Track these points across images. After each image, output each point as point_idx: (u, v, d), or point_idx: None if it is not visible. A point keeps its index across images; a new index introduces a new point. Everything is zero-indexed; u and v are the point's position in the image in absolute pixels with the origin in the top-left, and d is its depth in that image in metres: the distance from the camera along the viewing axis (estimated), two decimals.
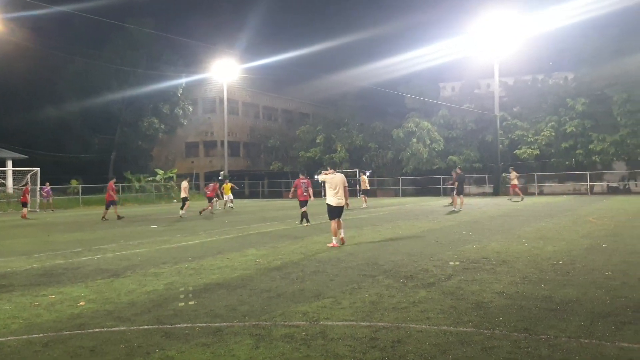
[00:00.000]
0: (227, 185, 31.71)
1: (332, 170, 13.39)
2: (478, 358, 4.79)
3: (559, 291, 7.27)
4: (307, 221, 19.03)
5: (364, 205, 30.14)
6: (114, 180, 26.80)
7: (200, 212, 26.74)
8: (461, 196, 25.64)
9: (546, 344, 5.09)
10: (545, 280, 8.05)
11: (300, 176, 19.96)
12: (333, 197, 12.86)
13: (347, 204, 13.10)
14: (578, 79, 47.86)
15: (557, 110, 47.00)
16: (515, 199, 32.90)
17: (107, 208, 25.35)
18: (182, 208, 25.79)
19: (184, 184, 27.27)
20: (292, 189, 20.07)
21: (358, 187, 31.53)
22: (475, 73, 55.37)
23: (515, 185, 32.99)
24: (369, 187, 31.36)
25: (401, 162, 52.45)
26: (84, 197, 42.85)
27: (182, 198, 26.51)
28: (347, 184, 13.04)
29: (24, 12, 42.69)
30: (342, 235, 13.02)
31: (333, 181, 12.88)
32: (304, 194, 19.30)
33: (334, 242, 12.82)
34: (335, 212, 12.83)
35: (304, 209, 19.14)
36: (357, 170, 49.66)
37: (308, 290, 7.75)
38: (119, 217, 25.05)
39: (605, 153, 44.03)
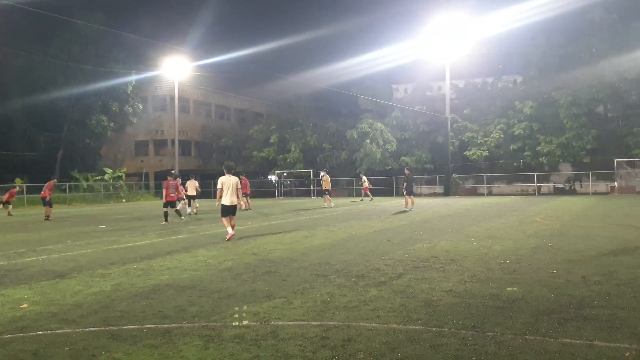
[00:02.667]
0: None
1: (228, 173, 14.53)
2: (426, 355, 4.85)
3: (505, 289, 7.42)
4: (166, 220, 20.34)
5: (326, 204, 30.09)
6: (55, 180, 25.79)
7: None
8: (412, 196, 25.97)
9: (493, 341, 5.19)
10: (493, 278, 8.21)
11: (169, 178, 21.52)
12: (227, 198, 14.23)
13: (240, 205, 14.96)
14: (526, 83, 49.15)
15: (506, 113, 48.13)
16: (366, 198, 38.56)
17: (50, 206, 24.69)
18: (189, 205, 25.99)
19: (194, 183, 26.77)
20: (163, 190, 21.38)
21: (320, 187, 32.52)
22: (427, 75, 56.24)
23: (366, 188, 38.85)
24: (330, 187, 31.39)
25: (355, 162, 52.78)
26: (29, 196, 41.62)
27: (189, 196, 26.20)
28: (240, 186, 14.67)
29: None
30: (232, 232, 14.28)
31: (228, 183, 14.23)
32: (172, 194, 20.82)
33: (230, 231, 14.25)
34: (228, 211, 14.34)
35: (166, 209, 20.60)
36: (319, 170, 49.63)
37: (259, 291, 7.71)
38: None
39: (551, 155, 45.27)
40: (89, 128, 54.07)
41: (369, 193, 38.95)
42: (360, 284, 7.98)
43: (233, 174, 14.74)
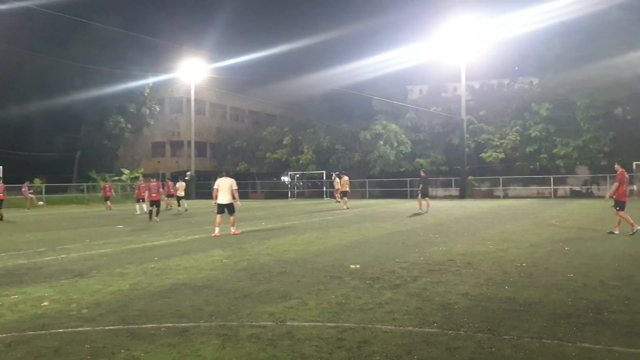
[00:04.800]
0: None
1: (227, 176, 16.36)
2: (442, 358, 4.86)
3: (522, 293, 7.40)
4: (152, 217, 22.41)
5: (346, 206, 30.39)
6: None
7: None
8: (427, 198, 25.90)
9: (509, 345, 5.18)
10: (509, 282, 8.19)
11: (151, 180, 23.91)
12: (222, 197, 15.97)
13: (237, 203, 16.46)
14: (542, 84, 48.72)
15: (522, 115, 47.81)
16: (339, 201, 37.26)
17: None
18: (179, 205, 30.08)
19: (182, 184, 30.78)
20: (146, 192, 23.64)
21: (336, 188, 33.48)
22: (442, 76, 55.94)
23: (337, 190, 37.43)
24: (348, 189, 31.65)
25: (368, 164, 52.64)
26: (48, 196, 42.09)
27: (179, 197, 30.36)
28: (235, 187, 16.17)
29: None
30: (233, 231, 16.13)
31: (223, 184, 15.93)
32: (153, 194, 22.70)
33: (217, 232, 15.82)
34: (222, 209, 16.04)
35: (152, 207, 22.62)
36: (332, 172, 49.53)
37: (275, 291, 7.75)
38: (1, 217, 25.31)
39: (568, 157, 44.87)
40: (107, 129, 54.55)
41: (337, 195, 38.00)
42: (375, 287, 7.99)
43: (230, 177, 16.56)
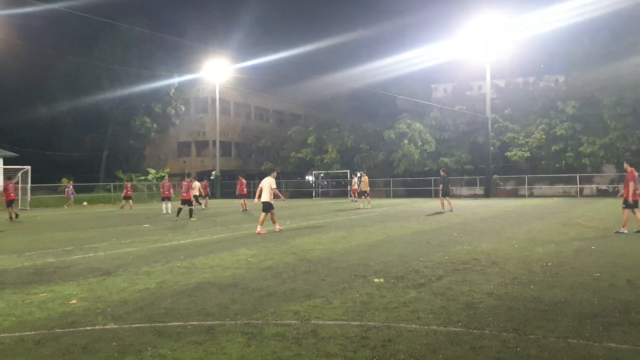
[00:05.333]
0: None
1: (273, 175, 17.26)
2: (467, 357, 4.85)
3: (548, 292, 7.34)
4: (187, 215, 22.95)
5: (362, 205, 30.68)
6: (15, 181, 28.82)
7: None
8: (447, 197, 25.84)
9: (535, 344, 5.15)
10: (535, 281, 8.13)
11: (186, 179, 24.93)
12: (262, 195, 16.75)
13: (281, 199, 17.88)
14: (569, 82, 48.05)
15: (548, 113, 47.20)
16: (359, 201, 36.15)
17: (10, 207, 25.89)
18: (200, 203, 29.93)
19: (197, 183, 30.49)
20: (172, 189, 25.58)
21: (357, 188, 34.00)
22: (467, 75, 55.48)
23: (355, 190, 38.05)
24: (368, 188, 31.73)
25: (392, 163, 52.39)
26: (75, 195, 42.68)
27: (196, 196, 30.20)
28: (274, 186, 16.78)
29: (14, 9, 42.56)
30: (259, 230, 16.45)
31: (264, 183, 16.82)
32: (184, 194, 23.42)
33: (267, 228, 16.67)
34: (264, 207, 16.70)
35: (181, 206, 23.31)
36: (356, 172, 49.56)
37: (299, 290, 7.79)
38: (17, 216, 25.83)
39: (595, 156, 44.21)
40: (133, 129, 55.24)
41: (355, 195, 38.52)
42: (399, 285, 7.99)
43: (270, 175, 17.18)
